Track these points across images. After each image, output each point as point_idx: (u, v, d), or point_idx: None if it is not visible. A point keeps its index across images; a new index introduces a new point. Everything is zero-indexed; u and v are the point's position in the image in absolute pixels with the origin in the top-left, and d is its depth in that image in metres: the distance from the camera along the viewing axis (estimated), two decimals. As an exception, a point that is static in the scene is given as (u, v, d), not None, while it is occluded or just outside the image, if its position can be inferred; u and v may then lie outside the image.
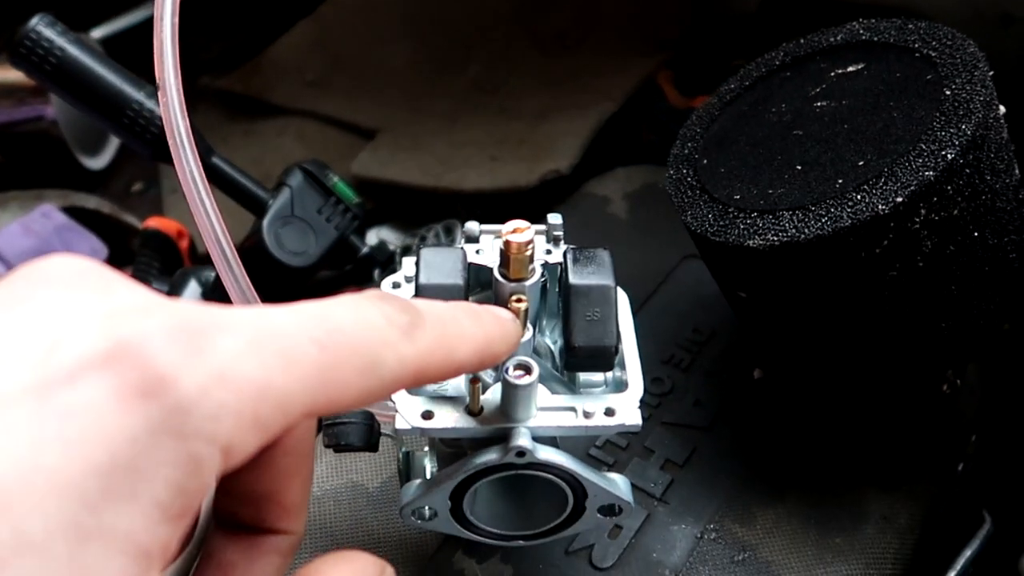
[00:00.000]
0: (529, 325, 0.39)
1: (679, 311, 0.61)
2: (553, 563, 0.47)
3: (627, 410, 0.37)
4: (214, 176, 0.67)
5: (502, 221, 0.39)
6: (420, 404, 0.37)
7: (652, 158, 0.76)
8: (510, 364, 0.36)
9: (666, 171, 0.51)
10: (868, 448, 0.53)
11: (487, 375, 0.40)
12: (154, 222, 0.72)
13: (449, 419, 0.37)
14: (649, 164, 0.75)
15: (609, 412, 0.37)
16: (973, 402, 0.60)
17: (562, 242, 0.42)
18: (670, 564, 0.47)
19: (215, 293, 0.64)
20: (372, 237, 0.82)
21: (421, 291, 0.38)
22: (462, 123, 0.88)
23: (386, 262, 0.81)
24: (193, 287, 0.63)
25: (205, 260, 0.76)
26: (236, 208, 0.69)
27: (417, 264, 0.39)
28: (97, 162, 0.97)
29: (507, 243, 0.38)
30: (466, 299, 0.39)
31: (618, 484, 0.39)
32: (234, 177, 0.67)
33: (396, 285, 0.43)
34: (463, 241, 0.42)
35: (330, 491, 0.50)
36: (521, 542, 0.42)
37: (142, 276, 0.70)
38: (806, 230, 0.42)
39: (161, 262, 0.71)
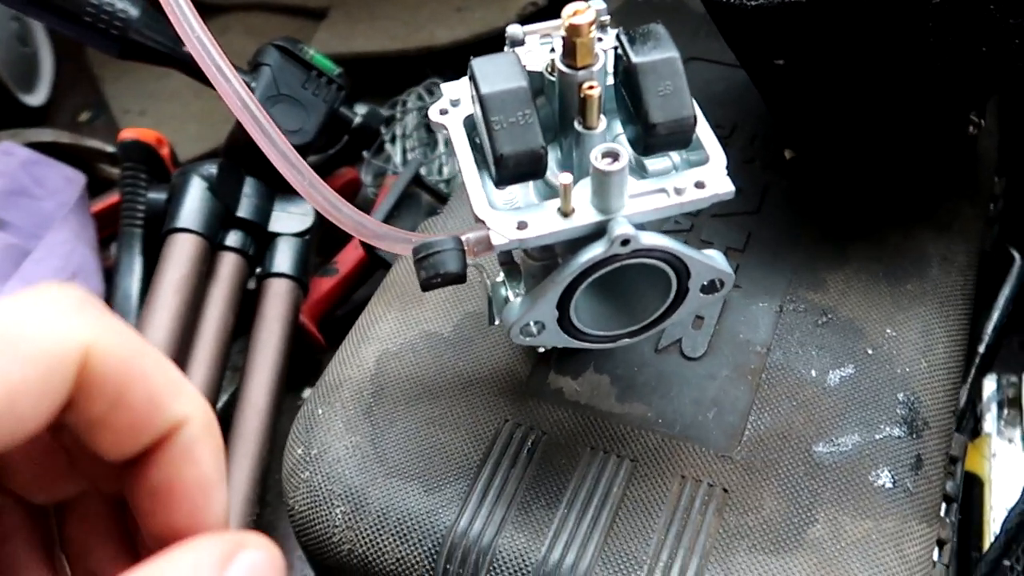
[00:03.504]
0: (603, 115, 0.38)
1: (697, 110, 0.60)
2: (647, 363, 0.47)
3: (717, 179, 0.37)
4: (186, 67, 0.63)
5: None
6: (511, 217, 0.36)
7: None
8: (597, 152, 0.35)
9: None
10: (913, 194, 0.54)
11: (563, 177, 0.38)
12: (131, 132, 0.68)
13: (545, 224, 0.36)
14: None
15: (700, 184, 0.37)
16: (992, 145, 0.61)
17: (608, 27, 0.40)
18: (759, 340, 0.47)
19: (221, 185, 0.61)
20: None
21: (485, 100, 0.36)
22: (414, -19, 0.84)
23: (373, 137, 0.78)
24: (197, 183, 0.60)
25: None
26: (217, 105, 0.66)
27: (473, 77, 0.37)
28: (35, 98, 0.91)
29: (571, 27, 0.36)
30: (534, 101, 0.37)
31: (716, 259, 0.39)
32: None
33: (444, 112, 0.41)
34: (509, 51, 0.40)
35: (405, 345, 0.49)
36: (626, 340, 0.42)
37: (131, 185, 0.66)
38: (852, -32, 0.40)
39: (147, 171, 0.68)
